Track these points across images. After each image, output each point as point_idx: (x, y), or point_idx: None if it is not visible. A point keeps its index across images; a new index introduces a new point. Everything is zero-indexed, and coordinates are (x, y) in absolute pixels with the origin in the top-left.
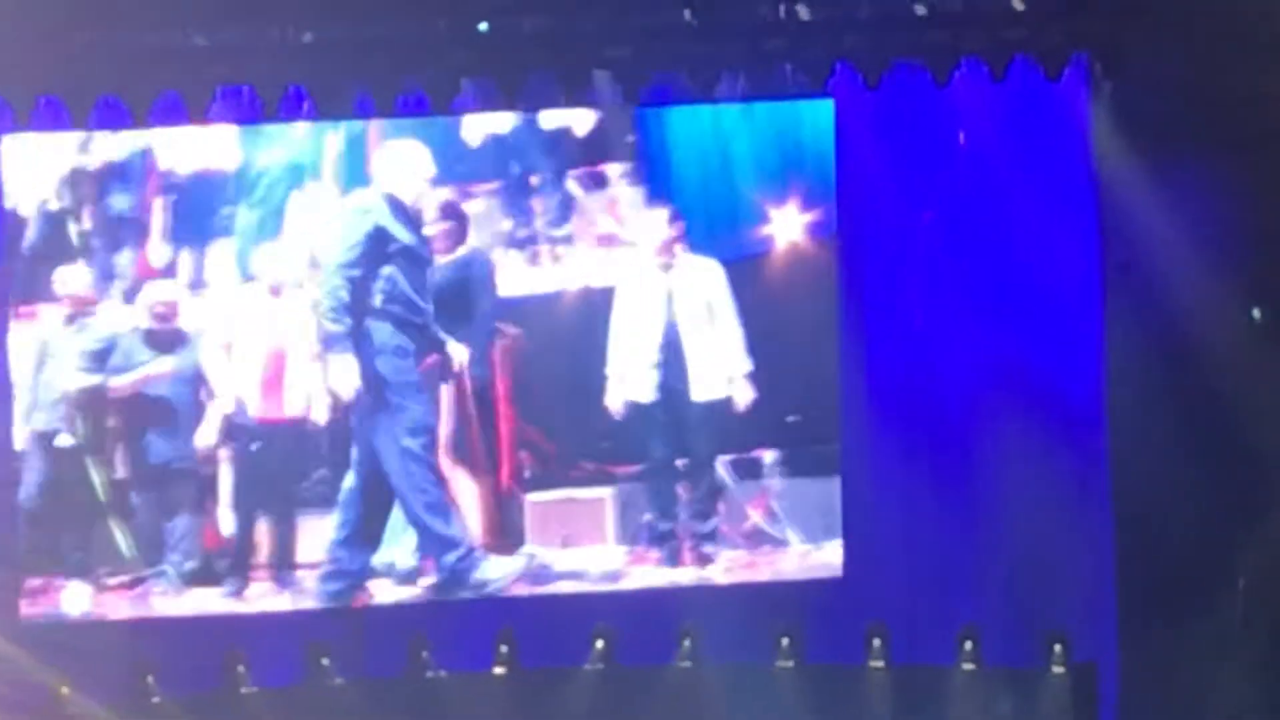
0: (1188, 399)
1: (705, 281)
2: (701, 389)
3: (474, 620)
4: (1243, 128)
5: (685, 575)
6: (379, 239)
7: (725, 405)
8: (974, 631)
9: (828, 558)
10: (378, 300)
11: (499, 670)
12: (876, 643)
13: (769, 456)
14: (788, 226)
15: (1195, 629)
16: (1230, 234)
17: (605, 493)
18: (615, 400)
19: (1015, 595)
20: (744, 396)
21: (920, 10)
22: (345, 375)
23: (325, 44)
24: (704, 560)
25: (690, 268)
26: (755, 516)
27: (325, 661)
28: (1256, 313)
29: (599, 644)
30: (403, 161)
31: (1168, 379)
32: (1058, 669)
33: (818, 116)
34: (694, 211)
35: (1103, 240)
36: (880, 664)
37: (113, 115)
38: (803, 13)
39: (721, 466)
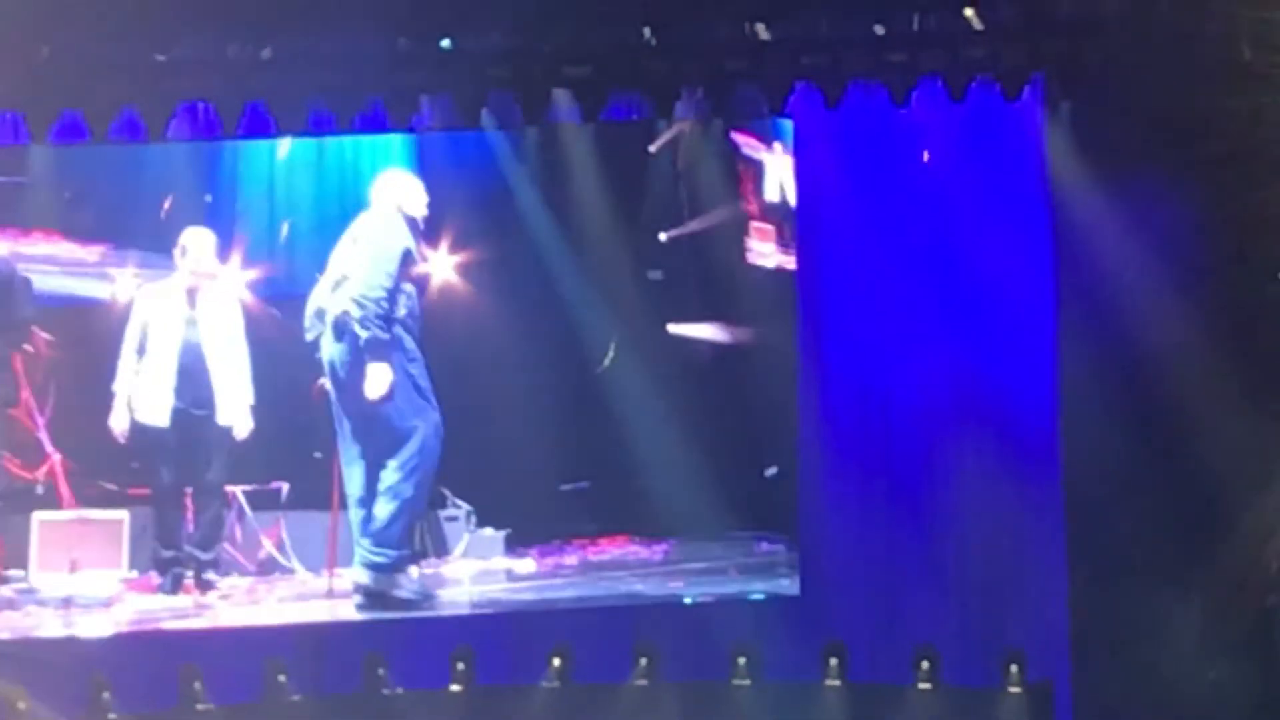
0: (1141, 415)
1: (229, 311)
2: (222, 415)
3: (431, 637)
4: (1199, 148)
5: (183, 603)
6: None
7: (234, 433)
8: (930, 651)
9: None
10: None
11: (455, 688)
12: (833, 661)
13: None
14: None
15: (1151, 646)
16: (1184, 253)
17: (121, 515)
18: (120, 421)
19: (971, 614)
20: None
21: (879, 30)
22: None
23: (284, 60)
24: (205, 588)
25: (217, 295)
26: (268, 545)
27: (282, 678)
28: None
29: (556, 661)
30: None
31: (1121, 396)
32: (1014, 689)
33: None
34: None
35: (1057, 258)
36: (837, 682)
37: (72, 130)
38: (762, 32)
39: (235, 494)
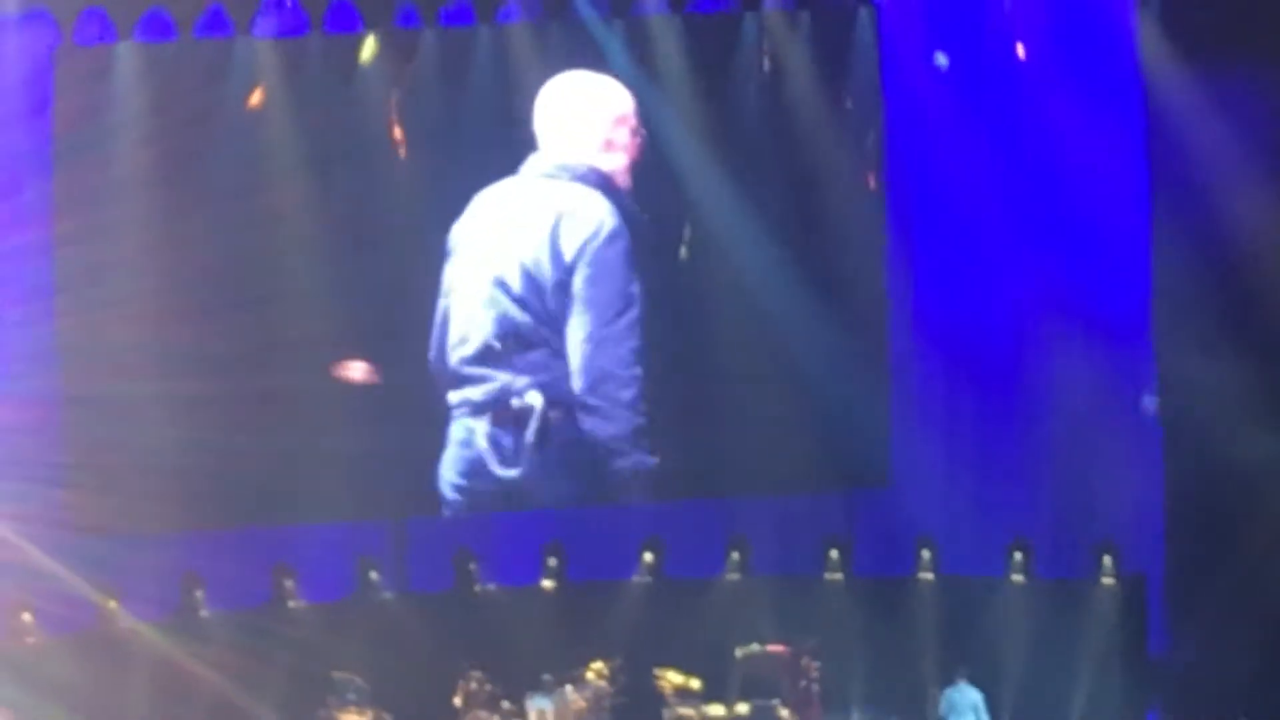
0: (1235, 306)
1: None
2: None
3: (523, 534)
4: None
5: None
6: None
7: None
8: (1023, 543)
9: None
10: None
11: (547, 584)
12: (925, 554)
13: None
14: None
15: (1242, 539)
16: (1278, 141)
17: None
18: None
19: (1064, 507)
20: None
21: None
22: None
23: None
24: None
25: None
26: None
27: (374, 576)
28: None
29: (648, 556)
30: None
31: (1215, 287)
32: (1107, 580)
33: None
34: None
35: (1150, 148)
36: (929, 575)
37: (158, 27)
38: None
39: None
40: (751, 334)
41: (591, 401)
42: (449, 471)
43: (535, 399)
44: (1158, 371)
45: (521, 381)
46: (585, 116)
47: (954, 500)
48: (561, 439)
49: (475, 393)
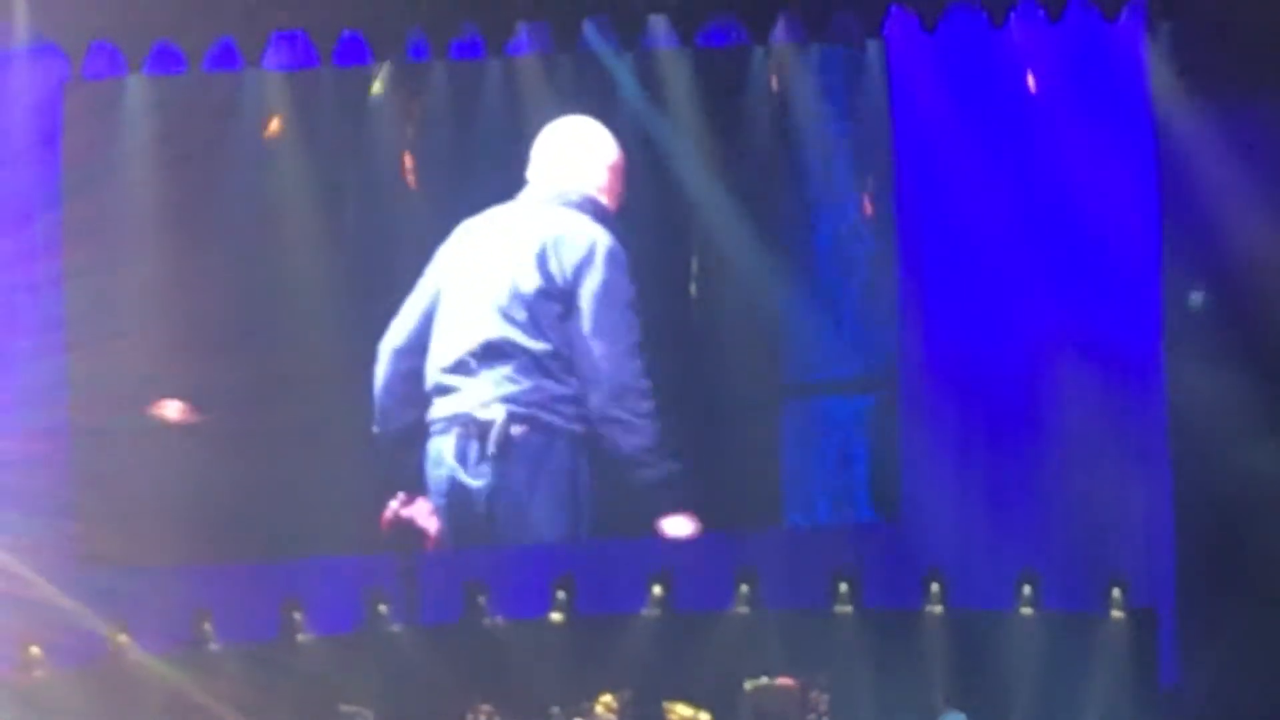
0: (1246, 340)
1: None
2: None
3: (531, 566)
4: None
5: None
6: None
7: None
8: (1032, 576)
9: None
10: None
11: (556, 617)
12: (934, 587)
13: None
14: None
15: (1254, 572)
16: None
17: None
18: None
19: (1074, 539)
20: None
21: None
22: None
23: None
24: None
25: None
26: None
27: (382, 609)
28: None
29: (656, 589)
30: None
31: (1225, 320)
32: (1117, 613)
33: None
34: None
35: (1161, 182)
36: (938, 609)
37: (167, 60)
38: None
39: None
40: (760, 365)
41: (613, 415)
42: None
43: (498, 412)
44: (1168, 405)
45: (486, 395)
46: (577, 158)
47: (963, 533)
48: (538, 454)
49: (445, 408)
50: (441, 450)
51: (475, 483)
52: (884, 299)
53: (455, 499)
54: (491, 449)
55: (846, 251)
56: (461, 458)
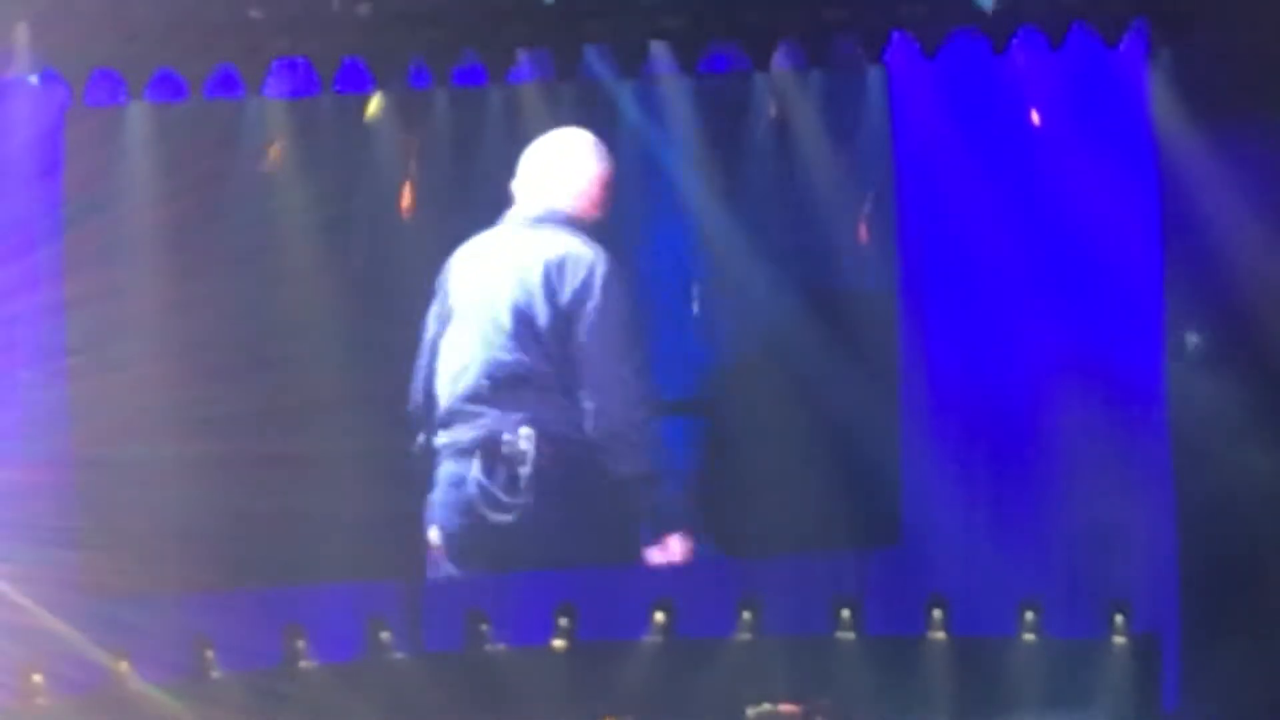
0: (1249, 365)
1: None
2: None
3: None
4: None
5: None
6: None
7: None
8: (1035, 602)
9: None
10: None
11: (559, 644)
12: (936, 613)
13: None
14: None
15: (1257, 598)
16: None
17: None
18: None
19: (1076, 565)
20: None
21: None
22: None
23: (382, 16)
24: None
25: None
26: None
27: (385, 636)
28: None
29: (658, 616)
30: None
31: (1228, 347)
32: (1119, 639)
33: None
34: None
35: (1163, 209)
36: (941, 635)
37: (168, 88)
38: None
39: None
40: (761, 390)
41: (622, 435)
42: (439, 514)
43: (526, 438)
44: (1172, 430)
45: (511, 420)
46: (565, 173)
47: (966, 559)
48: (562, 481)
49: (465, 433)
50: (463, 474)
51: (497, 509)
52: (885, 326)
53: (473, 523)
54: (520, 472)
55: (848, 279)
56: (486, 480)
